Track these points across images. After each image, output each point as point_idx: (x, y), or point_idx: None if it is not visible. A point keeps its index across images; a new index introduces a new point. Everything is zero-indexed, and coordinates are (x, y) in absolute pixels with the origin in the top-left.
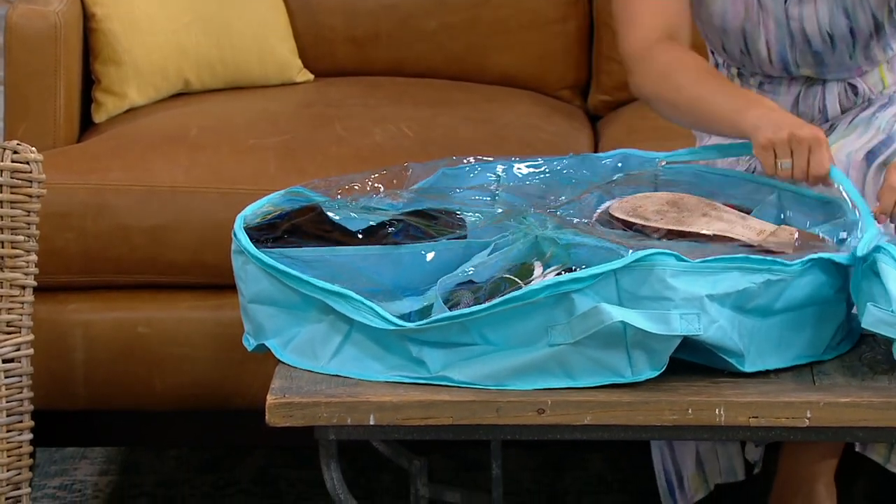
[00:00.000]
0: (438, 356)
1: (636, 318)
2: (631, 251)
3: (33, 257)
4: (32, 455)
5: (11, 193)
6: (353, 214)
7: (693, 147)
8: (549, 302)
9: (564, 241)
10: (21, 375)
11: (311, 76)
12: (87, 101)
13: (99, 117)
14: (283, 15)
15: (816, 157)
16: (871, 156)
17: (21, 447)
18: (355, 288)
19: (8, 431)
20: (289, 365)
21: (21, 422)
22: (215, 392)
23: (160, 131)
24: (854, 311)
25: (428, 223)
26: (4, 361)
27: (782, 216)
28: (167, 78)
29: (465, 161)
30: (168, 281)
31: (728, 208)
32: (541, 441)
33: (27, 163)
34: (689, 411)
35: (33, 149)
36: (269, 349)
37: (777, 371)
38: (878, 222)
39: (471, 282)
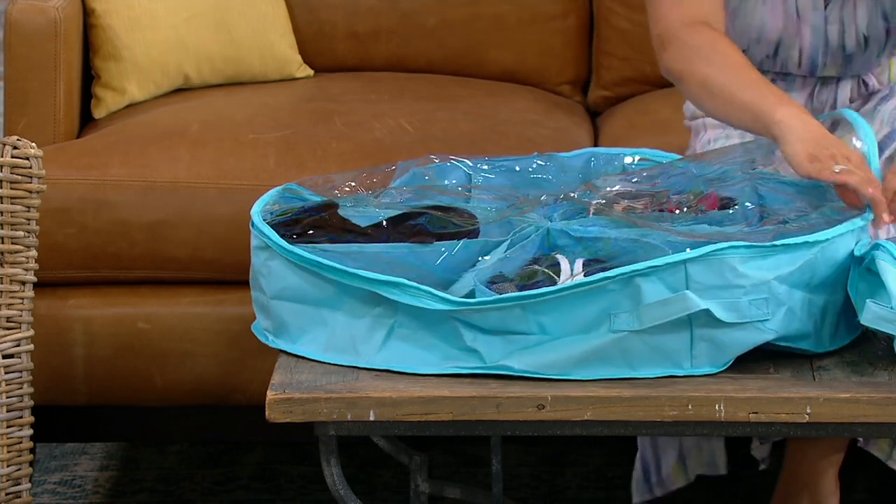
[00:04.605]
0: (495, 345)
1: (715, 308)
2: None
3: (33, 253)
4: (32, 450)
5: (11, 189)
6: (375, 210)
7: (689, 140)
8: (615, 287)
9: (576, 234)
10: (21, 371)
11: (310, 71)
12: (86, 96)
13: (99, 113)
14: (282, 10)
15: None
16: (879, 148)
17: (21, 443)
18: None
19: (8, 427)
20: (323, 362)
21: (21, 417)
22: (216, 388)
23: (160, 127)
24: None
25: (447, 215)
26: (4, 357)
27: (762, 204)
28: (167, 73)
29: (434, 160)
30: (168, 276)
31: None
32: (541, 437)
33: (27, 158)
34: (689, 407)
35: (33, 144)
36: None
37: (777, 366)
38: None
39: (500, 274)
